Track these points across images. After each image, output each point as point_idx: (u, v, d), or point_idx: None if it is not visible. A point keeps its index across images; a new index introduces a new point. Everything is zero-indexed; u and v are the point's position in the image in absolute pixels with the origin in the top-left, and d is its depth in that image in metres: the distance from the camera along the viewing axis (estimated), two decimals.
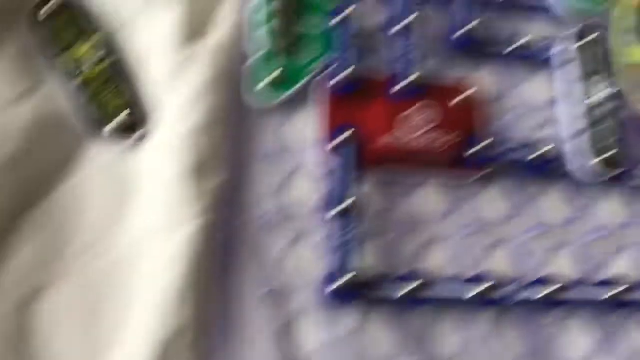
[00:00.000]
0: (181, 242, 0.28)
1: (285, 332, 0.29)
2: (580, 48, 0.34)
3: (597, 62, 0.34)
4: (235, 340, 0.28)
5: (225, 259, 0.29)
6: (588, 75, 0.34)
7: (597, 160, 0.32)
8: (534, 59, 0.36)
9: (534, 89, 0.36)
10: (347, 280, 0.28)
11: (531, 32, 0.37)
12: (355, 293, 0.28)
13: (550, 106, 0.35)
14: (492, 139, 0.33)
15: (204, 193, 0.28)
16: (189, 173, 0.28)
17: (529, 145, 0.33)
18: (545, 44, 0.36)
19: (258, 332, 0.28)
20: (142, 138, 0.30)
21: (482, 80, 0.35)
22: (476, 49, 0.35)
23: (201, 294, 0.28)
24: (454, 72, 0.35)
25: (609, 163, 0.32)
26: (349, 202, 0.29)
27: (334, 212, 0.29)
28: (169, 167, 0.29)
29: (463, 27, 0.34)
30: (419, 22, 0.34)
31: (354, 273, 0.28)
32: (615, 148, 0.32)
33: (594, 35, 0.34)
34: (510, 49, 0.35)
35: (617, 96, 0.33)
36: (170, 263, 0.27)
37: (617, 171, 0.33)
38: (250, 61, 0.32)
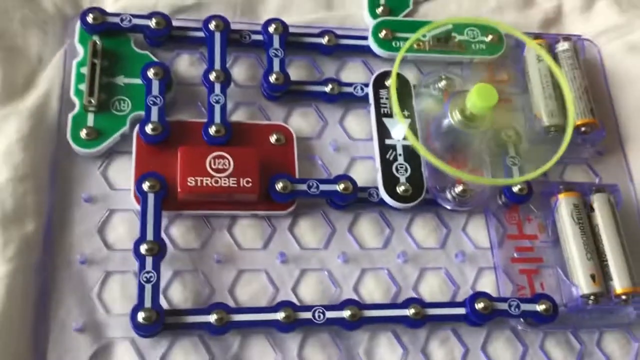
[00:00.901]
0: None
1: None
2: (377, 92, 0.38)
3: (390, 105, 0.38)
4: None
5: (46, 295, 0.32)
6: (386, 116, 0.38)
7: (386, 194, 0.36)
8: (353, 97, 0.39)
9: (354, 126, 0.39)
10: (147, 313, 0.30)
11: (351, 73, 0.41)
12: (158, 324, 0.31)
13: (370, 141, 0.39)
14: (295, 176, 0.36)
15: (12, 240, 0.31)
16: None
17: (340, 179, 0.36)
18: (363, 84, 0.39)
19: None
20: None
21: (298, 120, 0.38)
22: (291, 92, 0.38)
23: (12, 332, 0.30)
24: (270, 116, 0.38)
25: (400, 197, 0.36)
26: (147, 243, 0.32)
27: (138, 251, 0.32)
28: None
29: (275, 73, 0.37)
30: (234, 71, 0.38)
31: (149, 307, 0.31)
32: (405, 183, 0.36)
33: (389, 81, 0.38)
34: (327, 89, 0.38)
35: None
36: None
37: (409, 204, 0.36)
38: (71, 114, 0.34)
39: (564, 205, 0.37)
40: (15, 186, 0.32)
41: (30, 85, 0.35)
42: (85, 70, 0.35)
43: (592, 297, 0.35)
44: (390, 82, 0.37)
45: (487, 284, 0.37)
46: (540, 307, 0.34)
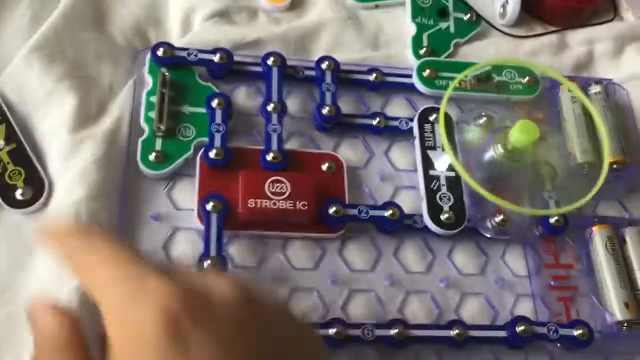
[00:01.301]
0: (67, 296, 0.32)
1: None
2: (421, 126, 0.41)
3: (435, 138, 0.40)
4: None
5: None
6: (430, 148, 0.40)
7: (430, 221, 0.38)
8: (397, 131, 0.42)
9: (398, 157, 0.42)
10: None
11: (395, 108, 0.44)
12: None
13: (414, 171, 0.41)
14: (347, 202, 0.38)
15: None
16: None
17: (388, 205, 0.38)
18: (407, 118, 0.42)
19: None
20: (41, 207, 0.35)
21: (346, 151, 0.41)
22: (340, 124, 0.41)
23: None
24: (320, 146, 0.41)
25: (444, 224, 0.38)
26: (210, 259, 0.34)
27: (202, 266, 0.34)
28: None
29: (327, 106, 0.40)
30: (288, 103, 0.41)
31: None
32: (448, 212, 0.38)
33: (433, 116, 0.41)
34: (374, 122, 0.41)
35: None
36: None
37: (452, 232, 0.38)
38: (141, 139, 0.37)
39: (598, 237, 0.39)
40: (89, 203, 0.34)
41: (103, 112, 0.38)
42: (154, 99, 0.38)
43: (625, 324, 0.37)
44: (438, 118, 0.40)
45: (525, 310, 0.38)
46: (576, 332, 0.36)
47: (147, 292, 0.22)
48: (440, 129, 0.37)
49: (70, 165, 0.35)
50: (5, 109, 0.36)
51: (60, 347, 0.23)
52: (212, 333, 0.22)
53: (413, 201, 0.40)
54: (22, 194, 0.34)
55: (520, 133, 0.36)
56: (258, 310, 0.24)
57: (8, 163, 0.35)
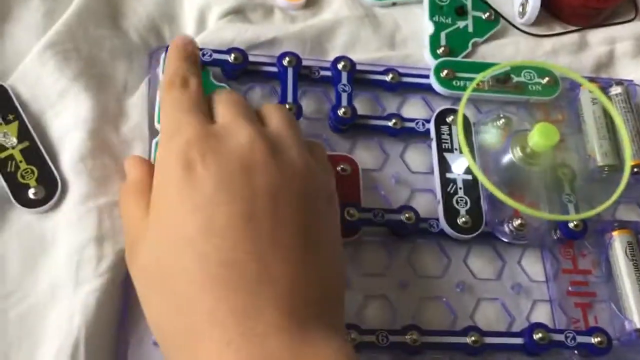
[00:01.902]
0: (83, 298, 0.32)
1: None
2: (438, 128, 0.40)
3: (452, 141, 0.40)
4: None
5: (128, 310, 0.33)
6: (447, 151, 0.40)
7: (446, 225, 0.37)
8: (414, 132, 0.41)
9: (414, 159, 0.41)
10: None
11: (411, 109, 0.43)
12: None
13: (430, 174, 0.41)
14: (362, 204, 0.38)
15: (106, 255, 0.33)
16: (92, 239, 0.33)
17: (404, 209, 0.38)
18: (424, 120, 0.41)
19: None
20: (53, 207, 0.34)
21: (361, 153, 0.40)
22: (355, 126, 0.40)
23: (98, 343, 0.32)
24: (335, 147, 0.40)
25: (460, 228, 0.37)
26: None
27: None
28: (76, 232, 0.33)
29: (343, 107, 0.39)
30: (304, 104, 0.40)
31: None
32: (465, 215, 0.38)
33: (450, 118, 0.40)
34: (390, 123, 0.40)
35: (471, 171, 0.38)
36: (71, 316, 0.31)
37: (469, 236, 0.38)
38: (154, 141, 0.37)
39: (618, 242, 0.38)
40: (111, 208, 0.34)
41: (119, 112, 0.38)
42: None
43: None
44: (456, 120, 0.39)
45: (542, 316, 0.38)
46: (595, 340, 0.36)
47: (180, 129, 0.30)
48: (459, 131, 0.36)
49: (88, 168, 0.35)
50: (18, 106, 0.36)
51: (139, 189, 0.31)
52: (217, 166, 0.28)
53: (429, 204, 0.40)
54: (34, 193, 0.34)
55: (539, 136, 0.35)
56: (269, 170, 0.29)
57: (21, 162, 0.35)
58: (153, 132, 0.37)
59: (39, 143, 0.35)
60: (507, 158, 0.38)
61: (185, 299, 0.27)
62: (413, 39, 0.45)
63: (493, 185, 0.35)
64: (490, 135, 0.40)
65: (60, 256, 0.33)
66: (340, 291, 0.30)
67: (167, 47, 0.38)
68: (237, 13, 0.42)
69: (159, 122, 0.37)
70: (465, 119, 0.41)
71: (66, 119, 0.36)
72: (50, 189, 0.34)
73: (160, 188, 0.30)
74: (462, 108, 0.36)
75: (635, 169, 0.41)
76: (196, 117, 0.31)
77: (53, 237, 0.34)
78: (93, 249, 0.33)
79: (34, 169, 0.35)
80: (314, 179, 0.31)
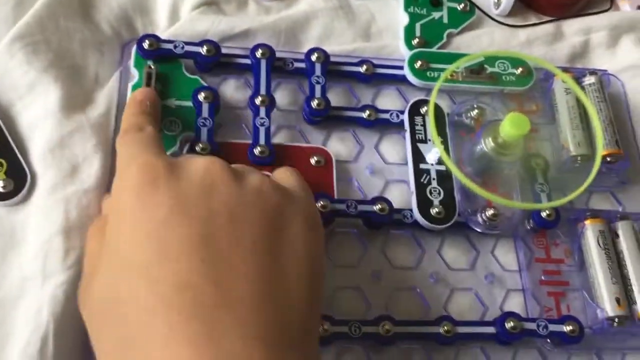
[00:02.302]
0: (51, 291, 0.32)
1: None
2: (412, 119, 0.40)
3: (426, 131, 0.40)
4: None
5: None
6: (421, 141, 0.40)
7: (420, 215, 0.37)
8: (388, 123, 0.41)
9: (389, 150, 0.41)
10: None
11: (386, 100, 0.43)
12: None
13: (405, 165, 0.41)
14: (334, 196, 0.38)
15: (73, 248, 0.33)
16: (59, 231, 0.33)
17: (377, 200, 0.38)
18: (398, 111, 0.41)
19: None
20: (22, 200, 0.34)
21: (336, 144, 0.40)
22: (330, 117, 0.40)
23: (67, 336, 0.32)
24: (310, 139, 0.40)
25: (433, 218, 0.38)
26: None
27: None
28: (44, 225, 0.33)
29: (317, 99, 0.39)
30: (277, 96, 0.40)
31: None
32: (438, 206, 0.38)
33: (424, 109, 0.40)
34: (364, 115, 0.40)
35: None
36: (39, 309, 0.31)
37: (442, 226, 0.38)
38: None
39: (590, 231, 0.39)
40: (79, 198, 0.34)
41: (90, 104, 0.37)
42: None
43: (616, 320, 0.36)
44: (429, 110, 0.39)
45: (515, 305, 0.38)
46: (567, 328, 0.36)
47: (136, 159, 0.28)
48: (430, 121, 0.36)
49: (58, 159, 0.35)
50: None
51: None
52: (172, 190, 0.27)
53: (403, 195, 0.40)
54: (3, 187, 0.34)
55: (510, 126, 0.35)
56: (231, 192, 0.28)
57: None
58: (119, 124, 0.37)
59: (7, 135, 0.35)
60: (479, 148, 0.38)
61: (137, 329, 0.25)
62: (388, 31, 0.45)
63: (464, 176, 0.35)
64: (463, 126, 0.40)
65: (29, 249, 0.33)
66: (312, 316, 0.28)
67: (140, 39, 0.38)
68: (211, 4, 0.42)
69: None
70: (439, 109, 0.41)
71: (35, 111, 0.36)
72: (19, 181, 0.34)
73: (115, 217, 0.28)
74: (433, 98, 0.36)
75: (608, 159, 0.41)
76: (152, 149, 0.30)
77: (23, 230, 0.34)
78: (60, 241, 0.33)
79: (3, 161, 0.34)
80: (282, 201, 0.29)
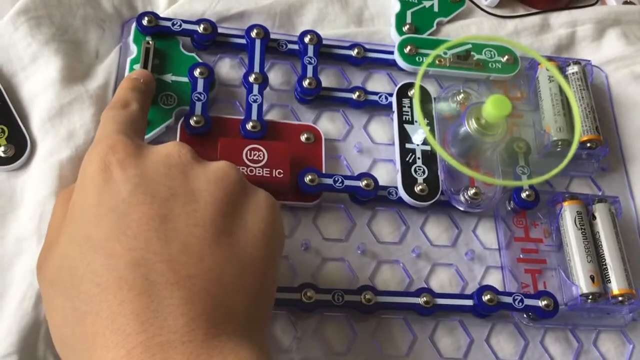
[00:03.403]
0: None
1: None
2: (400, 101, 0.42)
3: (413, 113, 0.41)
4: None
5: None
6: (407, 122, 0.41)
7: (404, 192, 0.39)
8: (377, 105, 0.42)
9: (377, 131, 0.43)
10: None
11: (376, 83, 0.44)
12: None
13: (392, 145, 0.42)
14: (324, 172, 0.39)
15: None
16: (53, 193, 0.34)
17: (363, 176, 0.39)
18: (387, 93, 0.43)
19: None
20: (22, 165, 0.36)
21: (326, 123, 0.42)
22: (321, 97, 0.42)
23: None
24: (301, 118, 0.42)
25: (417, 195, 0.39)
26: None
27: None
28: (40, 187, 0.35)
29: (308, 79, 0.41)
30: (271, 76, 0.42)
31: None
32: (422, 184, 0.39)
33: (411, 91, 0.42)
34: (354, 96, 0.42)
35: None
36: (35, 268, 0.33)
37: (425, 203, 0.39)
38: None
39: (568, 212, 0.40)
40: (74, 162, 0.35)
41: (90, 76, 0.39)
42: (138, 67, 0.39)
43: (590, 297, 0.38)
44: (414, 92, 0.41)
45: (494, 281, 0.39)
46: (542, 303, 0.37)
47: (109, 137, 0.29)
48: (415, 101, 0.37)
49: (56, 127, 0.36)
50: None
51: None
52: (136, 170, 0.27)
53: (389, 174, 0.41)
54: (4, 152, 0.35)
55: (492, 107, 0.37)
56: (192, 175, 0.28)
57: None
58: None
59: (9, 103, 0.36)
60: (463, 130, 0.39)
61: (88, 303, 0.25)
62: (380, 17, 0.46)
63: (447, 154, 0.37)
64: (449, 109, 0.42)
65: (25, 211, 0.35)
66: (262, 302, 0.28)
67: (139, 16, 0.40)
68: None
69: None
70: (427, 93, 0.42)
71: (36, 81, 0.37)
72: (20, 147, 0.36)
73: (79, 191, 0.28)
74: (418, 80, 0.38)
75: (588, 144, 0.42)
76: (128, 129, 0.30)
77: (22, 193, 0.35)
78: (54, 203, 0.34)
79: (5, 128, 0.36)
80: (241, 184, 0.29)
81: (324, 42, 0.43)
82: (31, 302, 0.32)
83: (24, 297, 0.32)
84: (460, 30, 0.46)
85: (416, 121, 0.41)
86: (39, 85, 0.37)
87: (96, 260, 0.26)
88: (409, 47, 0.44)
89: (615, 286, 0.38)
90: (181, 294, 0.25)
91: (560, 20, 0.48)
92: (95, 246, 0.26)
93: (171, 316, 0.24)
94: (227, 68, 0.42)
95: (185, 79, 0.40)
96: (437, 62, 0.43)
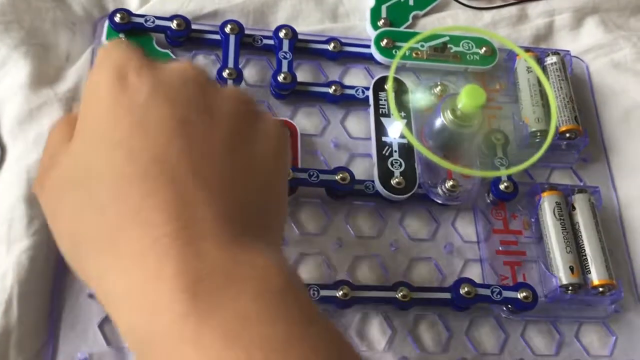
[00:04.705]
0: (15, 256, 0.33)
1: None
2: (376, 94, 0.42)
3: (389, 106, 0.41)
4: (68, 334, 0.33)
5: (62, 266, 0.34)
6: (384, 115, 0.41)
7: (380, 185, 0.39)
8: (354, 99, 0.42)
9: (354, 125, 0.43)
10: None
11: (353, 78, 0.44)
12: None
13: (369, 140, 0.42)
14: (298, 166, 0.39)
15: (38, 215, 0.34)
16: (22, 198, 0.34)
17: (339, 170, 0.39)
18: (364, 87, 0.42)
19: (89, 324, 0.34)
20: None
21: (302, 119, 0.42)
22: (297, 93, 0.42)
23: (31, 300, 0.33)
24: (278, 113, 0.41)
25: (394, 189, 0.39)
26: None
27: None
28: (9, 192, 0.34)
29: (283, 73, 0.41)
30: (247, 72, 0.42)
31: None
32: (399, 177, 0.39)
33: (387, 85, 0.42)
34: (330, 90, 0.42)
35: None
36: (4, 275, 0.32)
37: (402, 197, 0.39)
38: None
39: (547, 203, 0.40)
40: None
41: (60, 79, 0.39)
42: None
43: (570, 288, 0.37)
44: (388, 83, 0.41)
45: (473, 275, 0.39)
46: (520, 295, 0.37)
47: (107, 58, 0.27)
48: (388, 94, 0.37)
49: (25, 131, 0.36)
50: None
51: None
52: (153, 77, 0.26)
53: (367, 168, 0.41)
54: None
55: (467, 98, 0.37)
56: (207, 90, 0.28)
57: None
58: None
59: None
60: (439, 122, 0.39)
61: (109, 197, 0.24)
62: (355, 12, 0.46)
63: (422, 146, 0.36)
64: (426, 101, 0.41)
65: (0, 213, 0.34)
66: (278, 209, 0.29)
67: (111, 13, 0.40)
68: None
69: None
70: (404, 85, 0.42)
71: (6, 86, 0.37)
72: None
73: (90, 100, 0.27)
74: (392, 71, 0.37)
75: (567, 134, 0.42)
76: (136, 50, 0.29)
77: None
78: (23, 209, 0.34)
79: None
80: (253, 102, 0.30)
81: (300, 37, 0.42)
82: (1, 309, 0.32)
83: None
84: (436, 23, 0.46)
85: (392, 114, 0.41)
86: (9, 90, 0.37)
87: (117, 155, 0.25)
88: (385, 41, 0.43)
89: (595, 277, 0.38)
90: (207, 192, 0.25)
91: (538, 10, 0.48)
92: (113, 145, 0.25)
93: (200, 209, 0.24)
94: (202, 65, 0.42)
95: None
96: (414, 54, 0.43)
